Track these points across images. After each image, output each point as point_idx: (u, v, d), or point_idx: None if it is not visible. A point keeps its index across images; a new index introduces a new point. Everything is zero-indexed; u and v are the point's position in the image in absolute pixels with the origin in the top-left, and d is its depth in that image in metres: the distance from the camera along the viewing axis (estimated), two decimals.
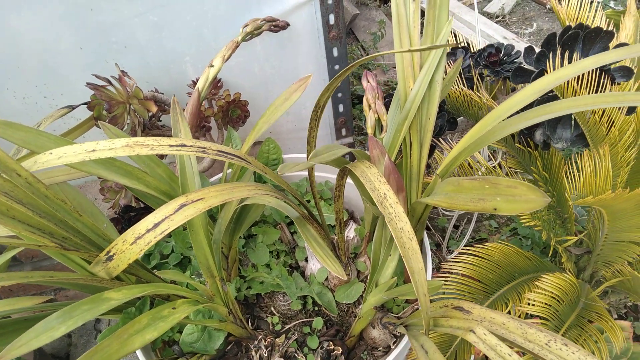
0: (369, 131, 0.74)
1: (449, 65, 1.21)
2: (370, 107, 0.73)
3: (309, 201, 1.15)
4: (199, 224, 0.79)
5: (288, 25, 1.11)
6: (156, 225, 0.62)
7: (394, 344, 0.78)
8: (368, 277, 0.99)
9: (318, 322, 0.98)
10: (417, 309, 0.83)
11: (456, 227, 1.69)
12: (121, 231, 1.10)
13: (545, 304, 0.92)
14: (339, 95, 1.28)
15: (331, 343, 0.90)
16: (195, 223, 0.79)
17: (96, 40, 1.07)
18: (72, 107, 1.07)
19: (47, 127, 1.03)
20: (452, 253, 1.55)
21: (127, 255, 0.63)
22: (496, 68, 1.15)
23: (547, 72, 0.99)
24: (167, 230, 0.62)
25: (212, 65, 1.00)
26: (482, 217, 1.75)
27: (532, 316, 0.95)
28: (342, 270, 0.72)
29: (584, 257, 1.27)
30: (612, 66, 0.98)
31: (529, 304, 0.91)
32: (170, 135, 1.15)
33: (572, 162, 1.07)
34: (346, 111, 1.34)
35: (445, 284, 1.03)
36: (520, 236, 1.54)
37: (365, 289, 0.99)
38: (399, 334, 0.80)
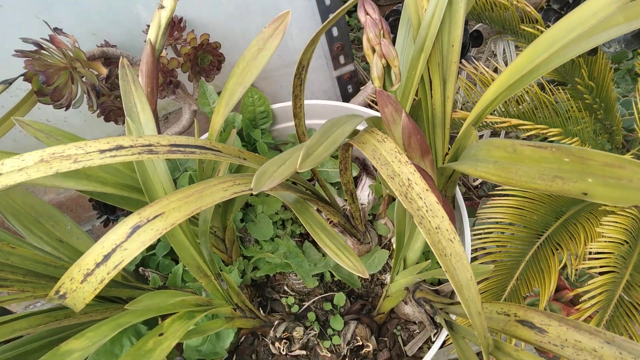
0: (376, 83, 0.54)
1: None
2: (373, 50, 0.52)
3: None
4: (176, 226, 0.63)
5: None
6: (106, 257, 0.47)
7: (434, 335, 0.65)
8: (392, 245, 0.84)
9: (340, 298, 0.85)
10: None
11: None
12: (99, 219, 0.96)
13: (609, 252, 0.77)
14: (330, 16, 1.03)
15: (359, 328, 0.77)
16: None
17: None
18: (8, 82, 0.87)
19: None
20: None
21: (81, 294, 0.48)
22: None
23: None
24: (123, 262, 0.47)
25: (162, 7, 0.78)
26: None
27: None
28: (361, 266, 0.57)
29: None
30: None
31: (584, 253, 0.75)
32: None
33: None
34: (342, 34, 1.10)
35: (484, 236, 0.88)
36: None
37: (390, 255, 0.85)
38: (437, 322, 0.67)
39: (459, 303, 0.63)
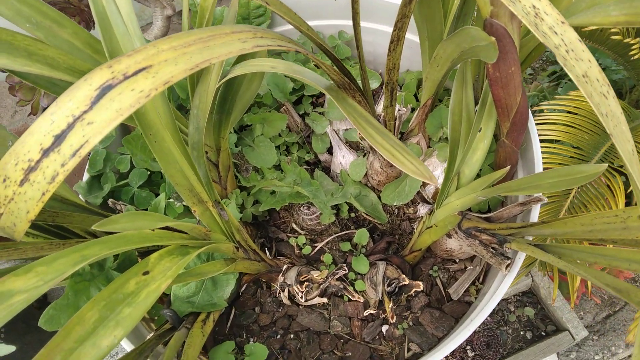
0: None
1: None
2: None
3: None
4: (158, 122, 0.45)
5: None
6: (59, 138, 0.30)
7: (506, 267, 0.51)
8: (442, 163, 0.68)
9: (362, 236, 0.69)
10: (524, 207, 0.54)
11: None
12: None
13: None
14: None
15: (389, 270, 0.62)
16: (152, 121, 0.45)
17: None
18: None
19: None
20: None
21: (22, 206, 0.32)
22: None
23: None
24: (86, 146, 0.29)
25: None
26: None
27: None
28: (427, 170, 0.41)
29: None
30: None
31: None
32: None
33: None
34: None
35: None
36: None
37: (424, 182, 0.69)
38: (506, 250, 0.52)
39: (541, 223, 0.48)
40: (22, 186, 0.30)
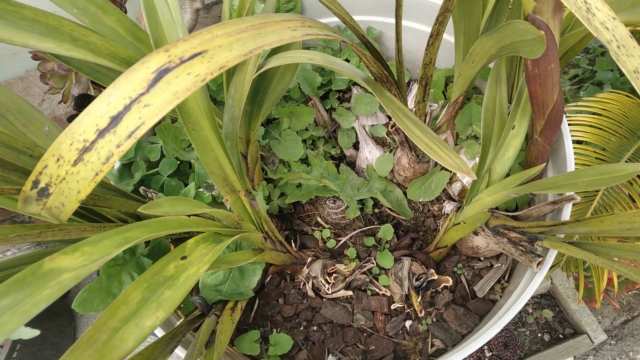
0: None
1: None
2: None
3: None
4: (198, 110, 0.46)
5: None
6: (115, 120, 0.30)
7: (537, 265, 0.51)
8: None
9: (387, 231, 0.69)
10: (555, 205, 0.53)
11: None
12: None
13: None
14: None
15: (414, 266, 0.62)
16: (191, 109, 0.45)
17: None
18: None
19: None
20: None
21: (74, 186, 0.32)
22: None
23: None
24: (142, 128, 0.30)
25: None
26: None
27: None
28: (464, 164, 0.41)
29: None
30: None
31: None
32: None
33: None
34: None
35: None
36: (610, 80, 1.18)
37: (451, 178, 0.69)
38: (537, 248, 0.52)
39: (575, 221, 0.48)
40: (75, 166, 0.31)
